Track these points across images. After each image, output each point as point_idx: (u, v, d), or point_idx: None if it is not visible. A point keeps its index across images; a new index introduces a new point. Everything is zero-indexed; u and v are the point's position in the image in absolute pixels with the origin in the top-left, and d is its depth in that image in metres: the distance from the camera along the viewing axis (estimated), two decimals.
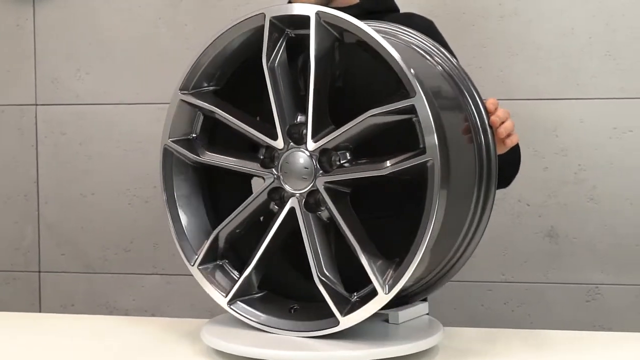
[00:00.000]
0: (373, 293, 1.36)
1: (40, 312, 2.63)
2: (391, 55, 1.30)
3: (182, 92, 1.53)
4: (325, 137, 1.40)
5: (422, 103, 1.29)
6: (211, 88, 1.55)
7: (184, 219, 1.55)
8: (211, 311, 2.55)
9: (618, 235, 2.38)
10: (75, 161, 2.62)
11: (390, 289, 1.33)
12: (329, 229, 1.46)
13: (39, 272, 2.67)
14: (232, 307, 1.50)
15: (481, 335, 1.58)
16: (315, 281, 1.40)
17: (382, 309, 1.38)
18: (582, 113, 2.37)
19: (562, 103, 2.38)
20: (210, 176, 1.61)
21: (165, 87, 2.51)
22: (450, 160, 1.32)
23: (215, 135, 1.57)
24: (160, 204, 2.53)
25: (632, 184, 2.37)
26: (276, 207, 1.48)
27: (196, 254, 1.53)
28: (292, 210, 1.43)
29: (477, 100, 1.49)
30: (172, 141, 1.54)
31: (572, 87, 2.38)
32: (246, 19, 1.46)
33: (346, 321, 1.37)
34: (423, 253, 1.30)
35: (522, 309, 2.45)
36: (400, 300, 1.52)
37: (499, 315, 2.44)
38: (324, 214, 1.44)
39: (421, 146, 1.33)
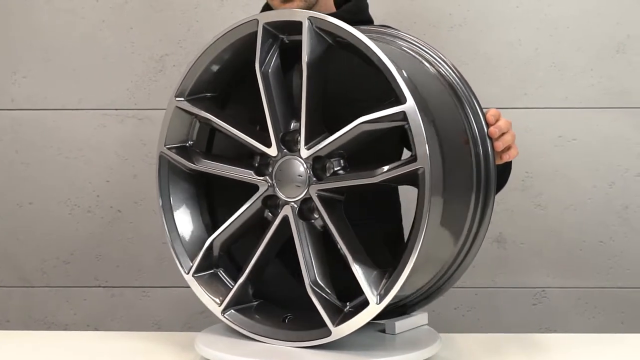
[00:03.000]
0: (365, 303, 1.34)
1: None
2: (382, 61, 1.29)
3: (177, 98, 1.50)
4: (318, 145, 1.39)
5: (412, 110, 1.27)
6: (207, 95, 1.53)
7: (179, 227, 1.54)
8: (159, 324, 2.50)
9: (563, 240, 2.46)
10: (11, 169, 2.49)
11: (382, 299, 1.32)
12: (322, 238, 1.44)
13: None
14: (226, 316, 1.47)
15: (478, 341, 1.59)
16: (308, 290, 1.39)
17: (380, 318, 1.38)
18: (528, 122, 2.44)
19: (510, 112, 2.43)
20: (207, 183, 1.59)
21: (109, 93, 2.46)
22: (444, 168, 1.30)
23: (212, 142, 1.55)
24: (103, 213, 2.47)
25: (576, 191, 2.45)
26: (270, 214, 1.47)
27: (191, 263, 1.51)
28: (286, 218, 1.41)
29: (476, 109, 1.48)
30: (168, 148, 1.52)
31: (519, 96, 2.44)
32: (239, 25, 1.45)
33: (338, 331, 1.35)
34: (415, 262, 1.28)
35: (472, 313, 2.49)
36: (400, 310, 1.52)
37: (450, 321, 2.47)
38: (318, 222, 1.42)
39: (412, 154, 1.32)
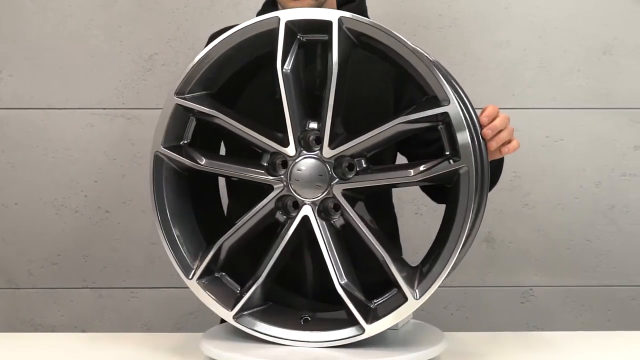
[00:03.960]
0: (398, 299, 1.35)
1: None
2: (425, 63, 1.31)
3: (177, 96, 1.45)
4: (346, 144, 1.38)
5: (456, 111, 1.30)
6: (203, 93, 1.48)
7: (176, 230, 1.48)
8: (147, 325, 2.48)
9: (550, 239, 2.49)
10: None
11: (421, 295, 1.33)
12: (341, 236, 1.44)
13: None
14: (238, 320, 1.44)
15: (481, 339, 1.61)
16: (337, 289, 1.39)
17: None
18: (517, 122, 2.41)
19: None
20: (199, 184, 1.56)
21: (98, 92, 2.43)
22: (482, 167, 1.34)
23: (196, 141, 1.51)
24: (91, 214, 2.45)
25: (563, 190, 2.48)
26: (283, 216, 1.44)
27: (192, 267, 1.46)
28: (306, 218, 1.41)
29: (469, 108, 1.46)
30: (166, 148, 1.46)
31: (508, 97, 2.46)
32: (258, 22, 1.42)
33: (372, 329, 1.36)
34: (457, 258, 1.31)
35: (460, 312, 2.51)
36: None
37: (439, 319, 2.47)
38: (338, 222, 1.43)
39: (447, 153, 1.34)
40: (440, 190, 1.67)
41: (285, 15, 1.39)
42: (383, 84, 1.72)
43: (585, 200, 2.48)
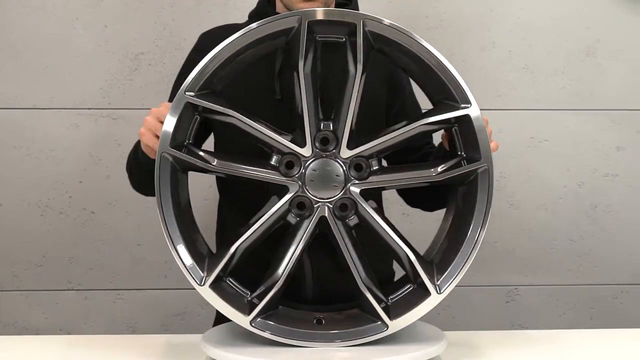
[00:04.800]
0: (417, 293, 1.37)
1: None
2: (444, 65, 1.33)
3: (188, 93, 1.41)
4: (366, 144, 1.39)
5: (476, 112, 1.35)
6: (208, 91, 1.45)
7: (184, 234, 1.43)
8: (133, 327, 2.46)
9: (534, 239, 2.52)
10: None
11: (441, 289, 1.35)
12: (353, 235, 1.45)
13: None
14: (254, 325, 1.41)
15: (476, 338, 1.63)
16: (361, 287, 1.39)
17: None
18: (502, 123, 2.49)
19: (484, 113, 2.47)
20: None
21: (83, 92, 2.41)
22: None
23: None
24: (76, 215, 2.42)
25: (547, 191, 2.51)
26: (295, 217, 1.43)
27: (201, 272, 1.41)
28: (323, 218, 1.41)
29: None
30: (173, 148, 1.42)
31: (493, 98, 2.49)
32: (277, 20, 1.39)
33: (395, 324, 1.38)
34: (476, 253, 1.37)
35: (447, 311, 2.53)
36: None
37: (425, 319, 2.47)
38: (352, 221, 1.43)
39: (460, 153, 1.36)
40: (418, 194, 1.70)
41: (308, 15, 1.38)
42: (379, 89, 1.74)
43: (568, 200, 2.51)
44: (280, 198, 1.41)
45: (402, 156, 1.72)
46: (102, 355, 1.50)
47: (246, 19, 1.86)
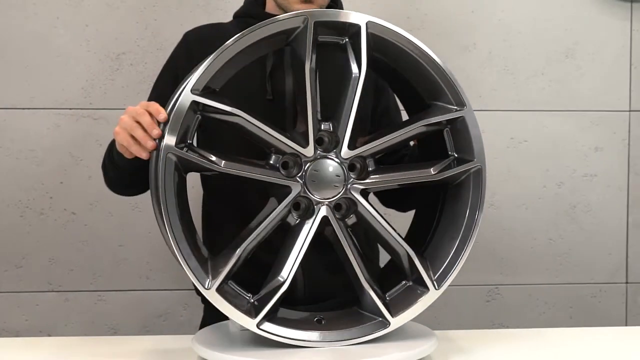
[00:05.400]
0: (414, 290, 1.42)
1: None
2: (441, 67, 1.35)
3: (194, 92, 1.36)
4: (367, 145, 1.40)
5: (471, 115, 1.38)
6: (208, 90, 1.42)
7: (185, 236, 1.38)
8: (115, 328, 2.45)
9: (515, 238, 2.55)
10: None
11: (439, 285, 1.39)
12: (352, 234, 1.46)
13: None
14: (261, 328, 1.39)
15: (467, 337, 1.64)
16: (365, 286, 1.40)
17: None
18: (482, 124, 2.46)
19: None
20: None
21: (64, 91, 2.39)
22: None
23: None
24: (57, 216, 2.40)
25: (527, 191, 2.54)
26: (296, 218, 1.42)
27: (207, 275, 1.37)
28: (325, 218, 1.41)
29: None
30: (178, 148, 1.38)
31: (474, 99, 2.49)
32: (284, 19, 1.38)
33: (397, 321, 1.40)
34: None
35: (428, 311, 2.52)
36: None
37: None
38: (350, 220, 1.44)
39: (451, 153, 1.38)
40: (393, 194, 1.72)
41: (314, 15, 1.38)
42: (367, 89, 1.74)
43: (548, 200, 2.54)
44: (278, 199, 1.40)
45: (382, 157, 1.74)
46: (84, 358, 1.48)
47: (230, 18, 1.86)
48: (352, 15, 1.39)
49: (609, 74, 2.53)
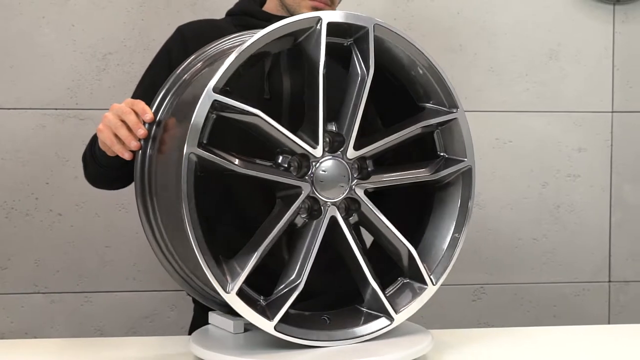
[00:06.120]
0: (412, 286, 1.46)
1: None
2: (441, 74, 1.38)
3: (214, 92, 1.32)
4: (370, 146, 1.42)
5: (463, 116, 1.42)
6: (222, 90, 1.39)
7: (203, 238, 1.34)
8: (101, 330, 2.43)
9: (499, 238, 2.57)
10: None
11: (436, 280, 1.45)
12: (355, 233, 1.47)
13: None
14: (277, 329, 1.37)
15: (462, 336, 1.66)
16: (372, 283, 1.42)
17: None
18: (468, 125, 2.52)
19: None
20: None
21: (50, 92, 2.37)
22: None
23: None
24: (42, 217, 2.38)
25: (512, 191, 2.57)
26: (304, 219, 1.42)
27: (226, 279, 1.34)
28: (333, 218, 1.41)
29: None
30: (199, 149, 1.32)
31: (460, 100, 2.52)
32: (299, 20, 1.37)
33: (400, 317, 1.44)
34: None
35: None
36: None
37: None
38: (353, 219, 1.46)
39: (441, 153, 1.48)
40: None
41: (327, 16, 1.38)
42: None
43: (532, 200, 2.57)
44: (285, 200, 1.40)
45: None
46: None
47: (223, 16, 1.86)
48: (362, 17, 1.41)
49: (592, 76, 2.57)
